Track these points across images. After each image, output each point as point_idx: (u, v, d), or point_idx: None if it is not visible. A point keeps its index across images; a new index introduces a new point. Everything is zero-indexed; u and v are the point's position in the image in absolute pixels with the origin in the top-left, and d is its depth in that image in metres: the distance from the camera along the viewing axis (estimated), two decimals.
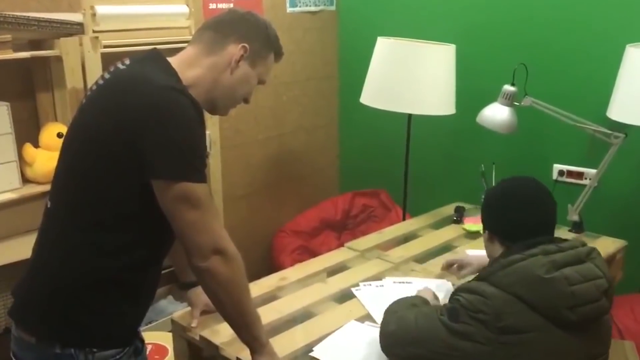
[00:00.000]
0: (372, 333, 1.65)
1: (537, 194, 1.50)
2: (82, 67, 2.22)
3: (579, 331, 1.35)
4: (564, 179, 2.80)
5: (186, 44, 1.49)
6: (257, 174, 3.33)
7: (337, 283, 2.00)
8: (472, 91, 2.82)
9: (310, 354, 1.59)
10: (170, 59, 1.41)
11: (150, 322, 2.63)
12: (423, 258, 2.23)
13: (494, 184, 2.53)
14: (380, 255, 2.23)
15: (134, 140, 1.28)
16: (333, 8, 3.50)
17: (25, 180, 2.25)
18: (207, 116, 1.47)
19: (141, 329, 1.56)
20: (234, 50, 1.43)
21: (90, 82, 2.08)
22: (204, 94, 1.42)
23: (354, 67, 3.40)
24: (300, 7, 3.31)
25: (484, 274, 1.41)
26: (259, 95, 3.17)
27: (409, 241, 2.41)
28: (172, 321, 1.78)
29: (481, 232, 2.42)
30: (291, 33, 3.30)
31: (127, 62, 1.41)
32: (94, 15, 2.24)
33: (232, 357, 1.58)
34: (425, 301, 1.61)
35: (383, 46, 2.68)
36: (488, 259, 1.56)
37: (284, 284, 1.98)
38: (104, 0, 2.30)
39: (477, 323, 1.32)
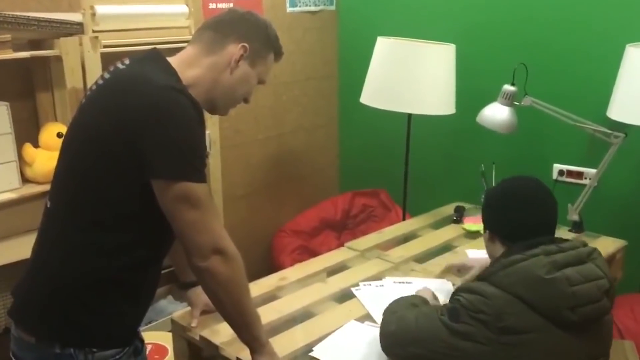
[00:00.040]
0: (372, 333, 1.65)
1: (538, 194, 1.50)
2: (81, 67, 2.22)
3: (579, 332, 1.34)
4: (564, 178, 2.80)
5: (186, 44, 1.49)
6: (257, 173, 3.33)
7: (337, 283, 2.00)
8: (472, 91, 2.82)
9: (310, 353, 1.59)
10: (170, 59, 1.41)
11: (150, 322, 2.63)
12: (423, 258, 2.23)
13: (494, 184, 2.53)
14: (380, 255, 2.23)
15: (134, 140, 1.28)
16: (333, 8, 3.50)
17: (24, 180, 2.25)
18: (207, 116, 1.47)
19: (141, 328, 1.56)
20: (234, 50, 1.43)
21: (90, 82, 2.09)
22: (203, 93, 1.42)
23: (353, 66, 3.40)
24: (300, 6, 3.31)
25: (485, 274, 1.40)
26: (259, 95, 3.16)
27: (408, 241, 2.41)
28: (172, 321, 1.77)
29: (481, 231, 2.42)
30: (291, 33, 3.30)
31: (127, 61, 1.41)
32: (93, 15, 2.24)
33: (232, 357, 1.58)
34: (424, 301, 1.60)
35: (383, 46, 2.68)
36: (489, 262, 1.56)
37: (283, 283, 1.98)
38: (104, 0, 2.30)
39: (477, 323, 1.32)
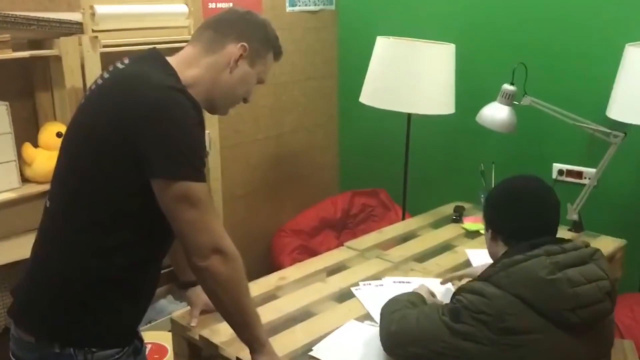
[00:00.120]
0: (371, 332, 1.65)
1: (540, 193, 1.49)
2: (81, 67, 2.22)
3: (581, 333, 1.34)
4: (564, 178, 2.80)
5: (185, 44, 1.49)
6: (257, 173, 3.33)
7: (336, 282, 1.99)
8: (471, 90, 2.83)
9: (310, 353, 1.59)
10: (169, 59, 1.41)
11: (149, 322, 2.63)
12: (423, 257, 2.22)
13: (493, 184, 2.53)
14: (380, 254, 2.23)
15: (134, 139, 1.28)
16: (332, 7, 3.50)
17: (24, 179, 2.25)
18: (207, 116, 1.47)
19: (141, 328, 1.56)
20: (233, 49, 1.43)
21: (90, 82, 2.08)
22: (203, 93, 1.42)
23: (353, 66, 3.39)
24: (299, 6, 3.31)
25: (486, 274, 1.40)
26: (259, 95, 3.16)
27: (408, 240, 2.41)
28: (172, 321, 1.77)
29: (480, 231, 2.44)
30: (291, 32, 3.30)
31: (126, 61, 1.41)
32: (93, 14, 2.24)
33: (232, 357, 1.58)
34: (422, 298, 1.60)
35: (383, 45, 2.68)
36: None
37: (283, 283, 1.98)
38: (104, 0, 2.30)
39: (478, 324, 1.32)
